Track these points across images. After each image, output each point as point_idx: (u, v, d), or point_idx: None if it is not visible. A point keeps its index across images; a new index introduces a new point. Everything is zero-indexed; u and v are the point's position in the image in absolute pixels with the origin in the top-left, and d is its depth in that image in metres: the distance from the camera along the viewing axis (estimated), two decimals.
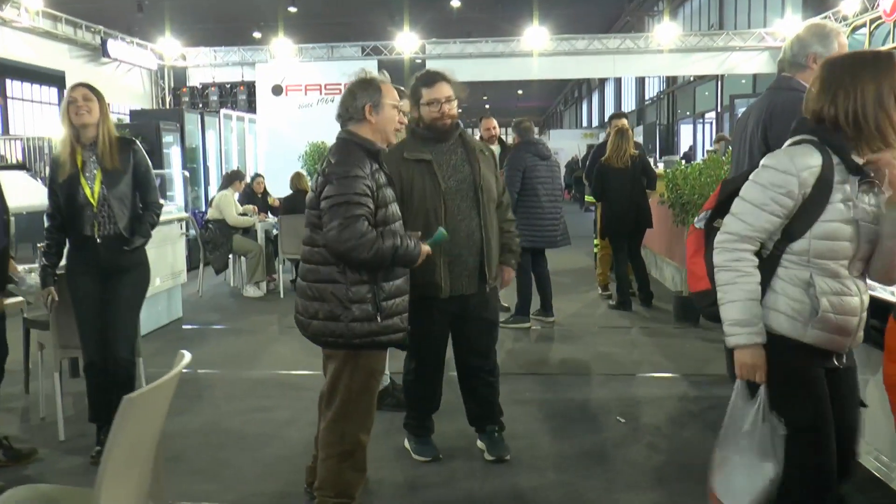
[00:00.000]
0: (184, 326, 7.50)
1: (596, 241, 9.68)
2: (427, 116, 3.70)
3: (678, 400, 5.03)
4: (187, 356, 2.30)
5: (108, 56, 12.71)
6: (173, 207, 7.86)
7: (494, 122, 7.75)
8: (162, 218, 7.52)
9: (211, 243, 9.20)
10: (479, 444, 4.10)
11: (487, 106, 43.12)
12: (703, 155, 20.47)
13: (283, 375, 5.69)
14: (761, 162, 2.37)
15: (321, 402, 3.27)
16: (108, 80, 13.33)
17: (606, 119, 34.39)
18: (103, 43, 12.51)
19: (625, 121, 8.18)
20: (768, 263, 2.35)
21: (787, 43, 3.34)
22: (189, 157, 12.01)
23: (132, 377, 4.00)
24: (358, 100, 3.07)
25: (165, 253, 7.43)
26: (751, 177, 2.36)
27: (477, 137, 8.66)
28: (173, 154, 11.54)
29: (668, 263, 9.03)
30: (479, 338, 3.98)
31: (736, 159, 3.54)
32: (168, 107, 14.22)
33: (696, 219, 2.63)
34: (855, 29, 11.43)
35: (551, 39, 14.63)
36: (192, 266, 9.45)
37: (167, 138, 11.40)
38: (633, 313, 7.61)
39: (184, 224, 7.91)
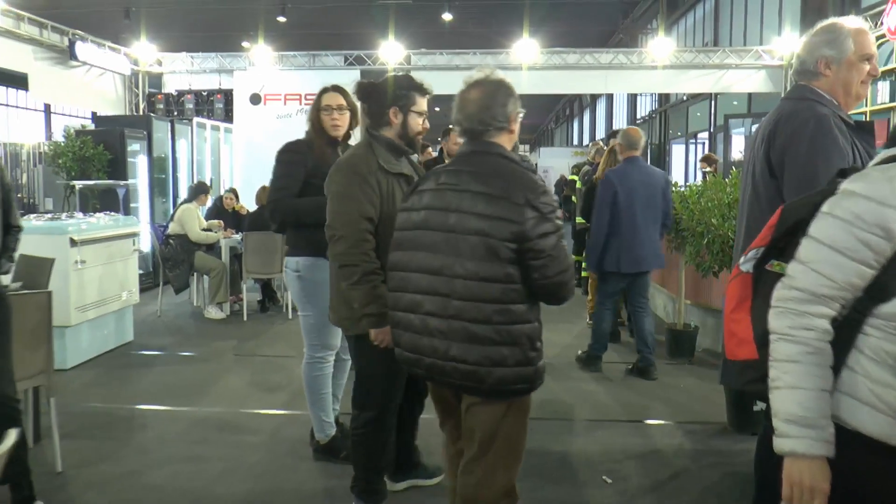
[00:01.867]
0: (132, 352, 6.85)
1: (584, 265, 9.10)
2: (415, 127, 3.32)
3: (673, 454, 4.41)
4: (10, 439, 1.67)
5: (77, 59, 12.06)
6: (124, 221, 7.22)
7: None
8: (112, 233, 7.00)
9: (170, 260, 8.57)
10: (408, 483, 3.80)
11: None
12: (696, 176, 20.01)
13: (227, 415, 5.04)
14: (842, 185, 1.71)
15: (453, 458, 2.88)
16: (76, 84, 12.71)
17: (593, 138, 33.91)
18: (71, 45, 11.87)
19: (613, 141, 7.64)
20: (844, 331, 1.69)
21: (799, 48, 2.88)
22: (158, 167, 11.37)
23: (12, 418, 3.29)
24: (509, 106, 2.69)
25: (115, 271, 6.80)
26: (825, 207, 1.71)
27: (434, 154, 8.15)
28: (139, 163, 10.89)
29: (660, 291, 8.45)
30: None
31: (742, 180, 3.02)
32: (142, 114, 13.56)
33: (742, 258, 1.95)
34: None
35: (542, 53, 14.10)
36: (157, 283, 8.83)
37: (133, 146, 10.75)
38: (622, 346, 7.01)
39: (136, 239, 7.27)
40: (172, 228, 8.68)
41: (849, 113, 2.85)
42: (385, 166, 3.18)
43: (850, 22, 2.75)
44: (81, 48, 12.13)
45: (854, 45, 2.74)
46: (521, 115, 2.74)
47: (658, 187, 5.70)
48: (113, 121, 11.41)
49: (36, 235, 5.97)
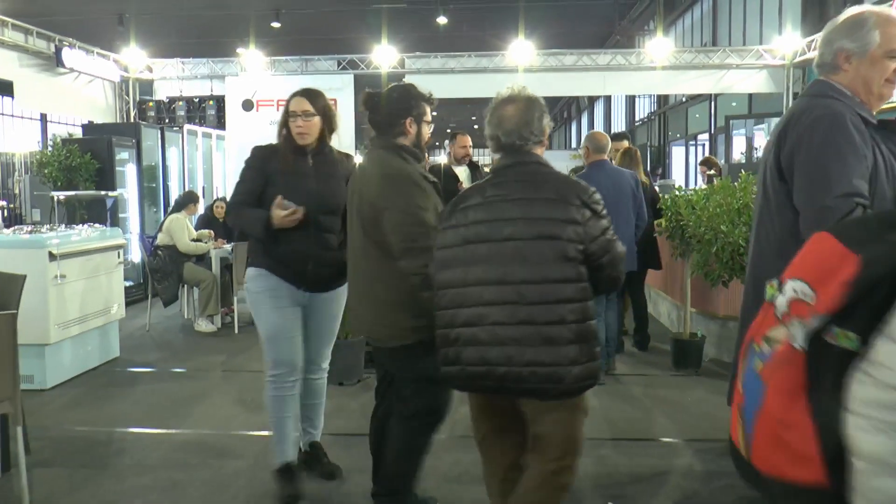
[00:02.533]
0: (117, 369, 6.59)
1: None
2: (425, 136, 3.33)
3: (682, 476, 4.15)
4: None
5: (64, 65, 11.82)
6: (109, 233, 6.96)
7: (470, 140, 6.92)
8: (95, 245, 6.74)
9: (159, 272, 8.31)
10: None
11: (476, 126, 42.46)
12: (697, 179, 19.78)
13: (210, 437, 4.78)
14: None
15: (503, 478, 2.89)
16: (64, 92, 12.46)
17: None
18: (58, 51, 11.61)
19: (626, 142, 7.40)
20: None
21: (820, 37, 2.62)
22: (147, 176, 11.12)
23: None
24: (544, 120, 2.83)
25: (98, 285, 6.53)
26: None
27: (443, 158, 7.90)
28: (128, 172, 10.64)
29: (664, 299, 8.20)
30: None
31: (758, 185, 2.76)
32: (133, 121, 13.30)
33: (792, 328, 1.38)
34: None
35: (538, 54, 13.86)
36: (147, 296, 8.58)
37: (122, 155, 10.51)
38: (626, 356, 6.75)
39: (121, 252, 7.01)
40: (161, 239, 8.42)
41: (874, 112, 2.58)
42: (425, 175, 3.20)
43: (881, 12, 2.48)
44: (68, 55, 11.88)
45: (880, 38, 2.46)
46: (550, 127, 2.87)
47: (627, 188, 5.78)
48: (101, 129, 11.15)
49: (12, 250, 5.73)
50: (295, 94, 3.74)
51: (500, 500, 2.87)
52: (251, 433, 4.85)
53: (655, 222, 6.59)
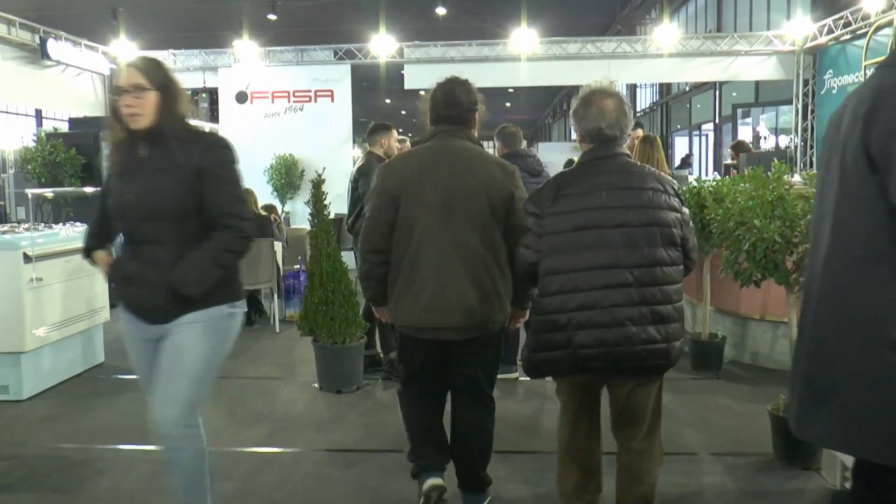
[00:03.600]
0: (101, 376, 6.19)
1: None
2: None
3: (715, 496, 3.77)
4: None
5: (50, 58, 11.40)
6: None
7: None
8: (75, 245, 6.26)
9: None
10: None
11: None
12: (708, 169, 19.35)
13: None
14: None
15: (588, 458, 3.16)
16: (51, 85, 12.04)
17: None
18: (42, 43, 11.19)
19: (640, 130, 7.01)
20: None
21: None
22: None
23: None
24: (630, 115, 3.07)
25: (80, 287, 6.15)
26: None
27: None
28: None
29: None
30: None
31: (823, 178, 2.29)
32: None
33: None
34: (879, 28, 10.29)
35: (541, 43, 13.43)
36: None
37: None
38: None
39: None
40: None
41: None
42: None
43: None
44: (54, 46, 11.46)
45: None
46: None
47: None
48: (87, 123, 10.74)
49: None
50: (125, 65, 2.87)
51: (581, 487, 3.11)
52: (240, 450, 4.47)
53: None
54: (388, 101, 38.09)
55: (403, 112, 43.76)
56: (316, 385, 5.67)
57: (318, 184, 5.58)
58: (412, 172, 3.26)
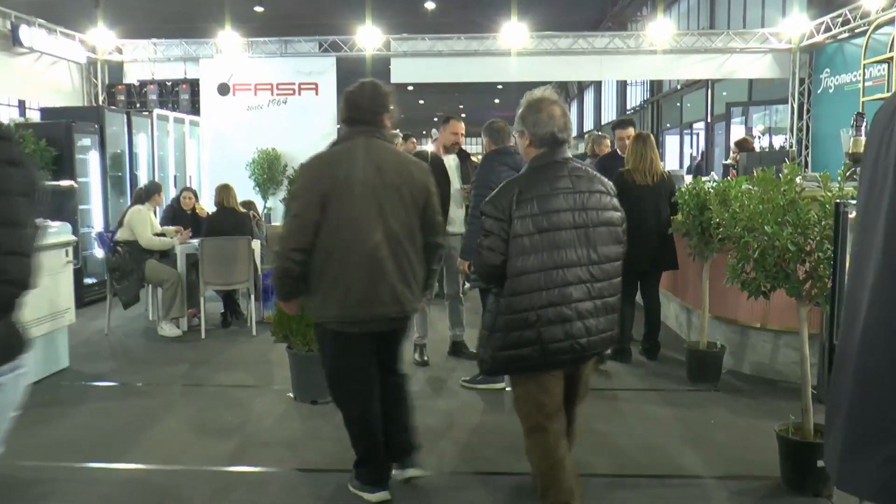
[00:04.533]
0: (63, 383, 5.83)
1: None
2: None
3: None
4: None
5: (22, 44, 10.97)
6: (57, 228, 6.18)
7: (463, 127, 6.18)
8: (39, 242, 5.98)
9: (118, 270, 7.53)
10: None
11: (464, 115, 41.68)
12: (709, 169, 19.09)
13: (156, 474, 4.05)
14: None
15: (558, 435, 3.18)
16: (24, 73, 11.61)
17: (581, 130, 32.90)
18: (14, 29, 10.75)
19: (632, 130, 6.70)
20: None
21: None
22: (113, 165, 10.31)
23: None
24: None
25: (42, 288, 5.71)
26: None
27: (430, 147, 7.27)
28: (91, 160, 9.83)
29: (671, 300, 7.51)
30: None
31: (868, 187, 1.95)
32: (96, 105, 12.46)
33: None
34: (879, 27, 10.03)
35: (532, 37, 13.11)
36: (107, 295, 7.80)
37: (83, 141, 9.69)
38: (634, 367, 6.07)
39: (69, 250, 6.25)
40: (121, 234, 7.63)
41: None
42: None
43: None
44: (27, 33, 11.03)
45: None
46: None
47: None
48: (60, 113, 10.27)
49: None
50: None
51: (568, 478, 3.10)
52: (206, 468, 4.13)
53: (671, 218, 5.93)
54: None
55: (392, 107, 43.51)
56: (291, 395, 5.34)
57: (294, 179, 5.23)
58: (339, 171, 3.39)
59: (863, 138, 5.85)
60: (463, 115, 40.15)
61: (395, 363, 3.77)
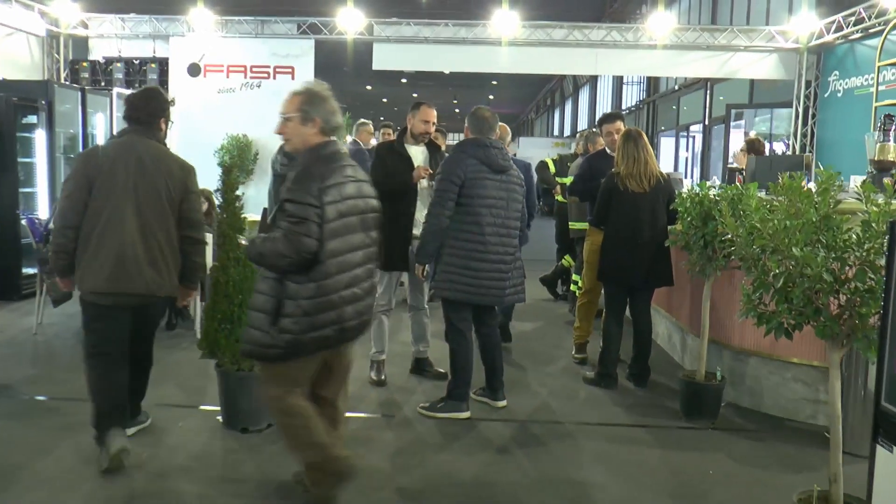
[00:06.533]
0: None
1: (576, 278, 7.40)
2: None
3: None
4: None
5: None
6: None
7: (434, 115, 5.41)
8: None
9: (49, 263, 6.73)
10: None
11: (457, 110, 40.76)
12: (694, 173, 18.35)
13: None
14: None
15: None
16: None
17: (575, 129, 32.22)
18: None
19: (620, 123, 5.93)
20: None
21: None
22: (67, 146, 9.49)
23: None
24: None
25: None
26: None
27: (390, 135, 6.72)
28: (37, 140, 9.00)
29: (662, 316, 6.77)
30: None
31: None
32: (45, 80, 11.60)
33: None
34: None
35: (524, 26, 12.33)
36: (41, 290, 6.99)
37: (29, 118, 8.87)
38: (620, 395, 5.32)
39: None
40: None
41: None
42: None
43: None
44: None
45: None
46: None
47: None
48: (2, 86, 9.40)
49: None
50: None
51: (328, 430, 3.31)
52: None
53: (669, 228, 5.18)
54: (368, 87, 36.88)
55: (385, 100, 42.58)
56: (220, 418, 4.57)
57: (229, 169, 4.46)
58: (106, 161, 3.86)
59: (892, 144, 5.13)
60: (456, 111, 39.39)
61: (143, 341, 4.16)
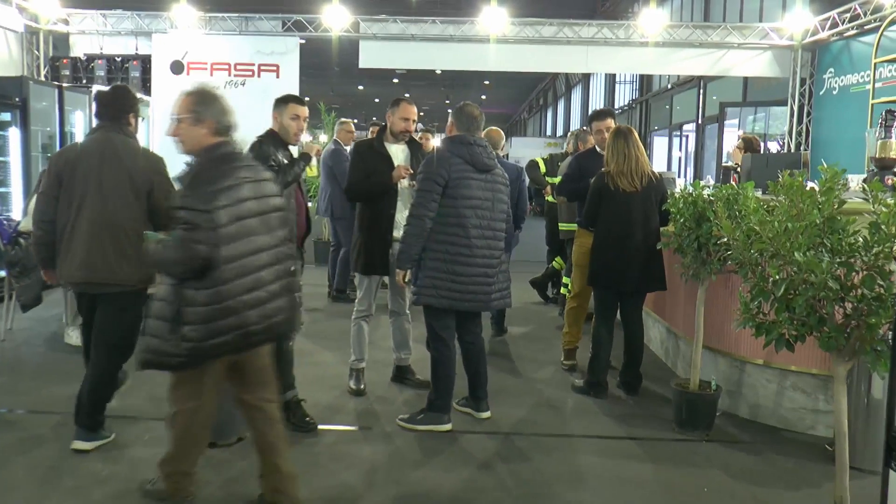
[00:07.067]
0: None
1: (566, 281, 7.17)
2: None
3: None
4: None
5: None
6: None
7: (414, 112, 5.16)
8: None
9: (18, 266, 6.45)
10: None
11: (450, 110, 40.52)
12: (688, 172, 18.17)
13: None
14: None
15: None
16: None
17: (567, 128, 32.10)
18: None
19: (611, 121, 5.70)
20: None
21: None
22: (46, 145, 9.24)
23: None
24: None
25: None
26: None
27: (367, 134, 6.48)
28: (11, 138, 8.75)
29: (654, 320, 6.54)
30: None
31: None
32: (20, 76, 11.34)
33: None
34: (893, 23, 9.09)
35: (513, 24, 12.12)
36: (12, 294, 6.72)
37: (2, 116, 8.63)
38: (610, 405, 5.09)
39: None
40: (25, 224, 6.55)
41: None
42: None
43: None
44: None
45: None
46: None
47: None
48: None
49: None
50: None
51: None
52: None
53: (661, 230, 4.95)
54: (360, 87, 36.62)
55: (377, 100, 42.29)
56: None
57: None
58: (75, 157, 4.04)
59: (894, 140, 4.91)
60: (449, 111, 39.27)
61: (106, 332, 4.12)
